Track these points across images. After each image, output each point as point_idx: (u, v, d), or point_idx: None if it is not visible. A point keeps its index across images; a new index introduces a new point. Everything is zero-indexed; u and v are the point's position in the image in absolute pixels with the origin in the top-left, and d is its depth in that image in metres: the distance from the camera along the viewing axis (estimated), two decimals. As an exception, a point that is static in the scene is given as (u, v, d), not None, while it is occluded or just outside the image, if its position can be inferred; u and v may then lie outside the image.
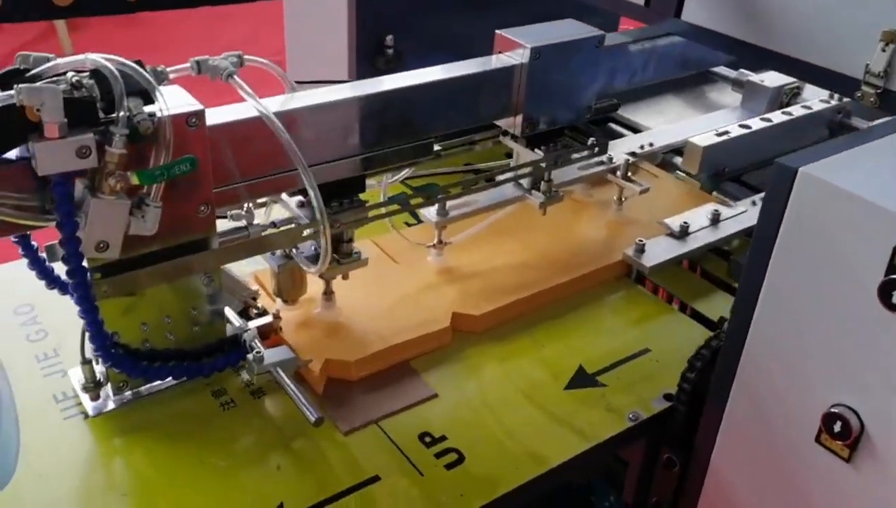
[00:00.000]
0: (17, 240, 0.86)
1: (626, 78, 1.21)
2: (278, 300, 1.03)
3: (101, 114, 0.76)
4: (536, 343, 1.07)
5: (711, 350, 0.95)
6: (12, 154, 0.74)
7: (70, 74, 0.74)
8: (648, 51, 1.23)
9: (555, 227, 1.24)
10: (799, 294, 0.79)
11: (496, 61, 1.06)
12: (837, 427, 0.78)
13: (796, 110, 1.52)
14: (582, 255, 1.20)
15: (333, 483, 0.85)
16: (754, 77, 1.63)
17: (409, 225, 1.26)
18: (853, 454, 0.78)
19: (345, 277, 1.03)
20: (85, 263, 0.79)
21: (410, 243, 1.16)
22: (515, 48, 1.06)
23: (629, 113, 1.64)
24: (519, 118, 1.09)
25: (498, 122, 1.12)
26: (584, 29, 1.11)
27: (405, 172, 1.11)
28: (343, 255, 1.00)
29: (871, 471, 0.77)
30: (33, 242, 0.88)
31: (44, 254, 0.89)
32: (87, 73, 0.75)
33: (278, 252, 1.00)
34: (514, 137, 1.13)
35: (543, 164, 1.13)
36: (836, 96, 1.56)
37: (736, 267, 0.93)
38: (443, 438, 0.92)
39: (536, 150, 1.13)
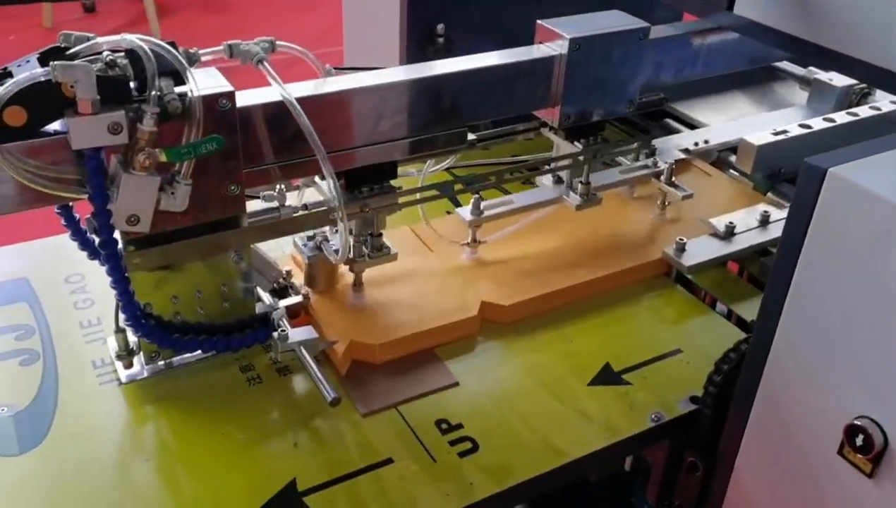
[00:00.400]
0: (59, 211, 0.91)
1: (673, 72, 1.18)
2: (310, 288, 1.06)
3: (135, 93, 0.79)
4: (564, 337, 1.06)
5: (740, 353, 0.92)
6: (52, 127, 0.78)
7: (106, 54, 0.77)
8: (699, 44, 1.20)
9: (594, 221, 1.22)
10: (825, 299, 0.76)
11: (536, 51, 1.05)
12: (860, 440, 0.74)
13: (862, 111, 1.45)
14: (620, 251, 1.18)
15: (346, 462, 0.87)
16: (822, 75, 1.57)
17: (449, 213, 1.26)
18: (876, 469, 0.75)
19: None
20: (117, 235, 0.83)
21: (448, 236, 1.16)
22: (555, 38, 1.04)
23: (688, 108, 1.60)
24: (557, 110, 1.08)
25: (537, 114, 1.11)
26: (628, 20, 1.08)
27: (445, 162, 1.12)
28: (373, 249, 1.02)
29: (893, 489, 0.74)
30: (76, 214, 0.93)
31: (85, 226, 0.94)
32: (122, 53, 0.78)
33: (310, 243, 1.02)
34: (553, 129, 1.12)
35: (582, 158, 1.11)
36: (910, 99, 1.49)
37: (765, 268, 0.90)
38: (459, 426, 0.92)
39: (576, 143, 1.11)
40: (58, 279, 1.12)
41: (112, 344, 0.96)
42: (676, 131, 1.53)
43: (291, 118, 0.86)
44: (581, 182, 1.14)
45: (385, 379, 0.97)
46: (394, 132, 0.97)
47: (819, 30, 1.02)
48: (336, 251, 1.00)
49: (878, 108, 1.47)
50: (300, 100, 0.86)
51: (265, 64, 0.86)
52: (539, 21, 1.06)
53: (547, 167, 1.14)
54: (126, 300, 0.86)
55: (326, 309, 1.04)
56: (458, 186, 1.07)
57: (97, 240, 0.82)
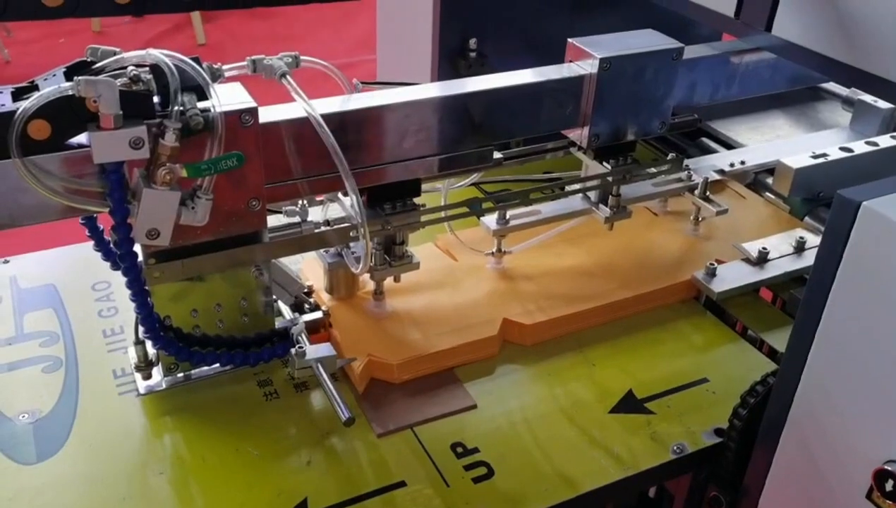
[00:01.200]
0: (83, 221, 0.91)
1: (708, 93, 1.16)
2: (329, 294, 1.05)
3: (158, 108, 0.79)
4: (587, 361, 1.04)
5: (767, 387, 0.89)
6: (75, 141, 0.78)
7: (130, 69, 0.77)
8: (735, 65, 1.17)
9: (622, 237, 1.20)
10: (857, 336, 0.73)
11: (566, 70, 1.04)
12: (889, 485, 0.71)
13: (909, 135, 1.41)
14: (648, 271, 1.16)
15: (359, 483, 0.86)
16: (867, 96, 1.52)
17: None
18: (906, 516, 0.71)
19: (396, 279, 1.03)
20: (137, 248, 0.83)
21: (472, 245, 1.15)
22: (585, 57, 1.03)
23: (725, 127, 1.56)
24: (586, 130, 1.06)
25: (566, 133, 1.09)
26: (661, 40, 1.06)
27: (471, 178, 1.11)
28: (395, 257, 1.01)
29: (924, 538, 0.71)
30: (99, 225, 0.93)
31: (109, 237, 0.94)
32: (147, 68, 0.78)
33: (331, 250, 1.01)
34: (581, 149, 1.10)
35: (611, 178, 1.09)
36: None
37: (793, 300, 0.87)
38: (475, 450, 0.90)
39: (605, 163, 1.09)
40: (84, 286, 1.13)
41: (132, 355, 0.96)
42: (713, 151, 1.50)
43: (315, 134, 0.86)
44: (611, 193, 1.12)
45: (402, 400, 0.96)
46: (419, 149, 0.97)
47: (860, 53, 0.99)
48: (357, 258, 0.99)
49: (925, 133, 1.42)
50: (325, 117, 0.85)
51: (288, 79, 0.86)
52: (570, 40, 1.05)
53: (575, 187, 1.12)
54: (145, 313, 0.86)
55: (346, 321, 1.03)
56: (484, 205, 1.06)
57: (118, 254, 0.82)
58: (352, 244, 1.00)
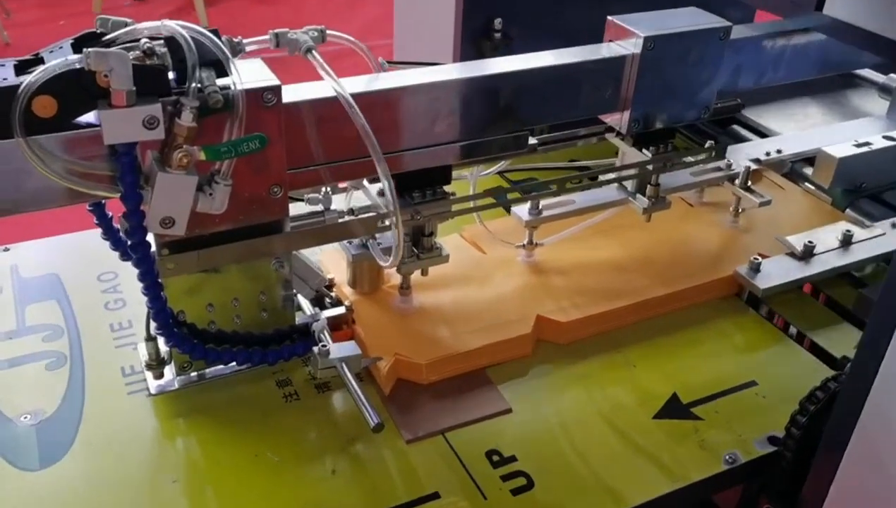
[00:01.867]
0: (91, 208, 0.85)
1: (754, 77, 1.08)
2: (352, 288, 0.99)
3: (173, 85, 0.72)
4: (627, 362, 0.97)
5: (828, 392, 0.83)
6: (83, 119, 0.72)
7: (144, 41, 0.70)
8: (781, 47, 1.10)
9: (659, 230, 1.13)
10: (942, 341, 0.67)
11: (605, 50, 0.97)
12: (976, 504, 0.65)
13: (954, 124, 1.34)
14: (687, 266, 1.09)
15: (389, 495, 0.80)
16: (906, 83, 1.46)
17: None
18: None
19: (424, 273, 0.97)
20: (150, 238, 0.76)
21: (501, 236, 1.08)
22: (627, 36, 0.96)
23: (757, 115, 1.49)
24: (626, 114, 0.99)
25: (603, 118, 1.02)
26: (707, 18, 0.99)
27: (499, 165, 1.04)
28: (424, 249, 0.94)
29: None
30: (108, 211, 0.87)
31: (118, 225, 0.87)
32: (161, 41, 0.71)
33: (355, 241, 0.95)
34: (619, 135, 1.03)
35: (650, 167, 1.02)
36: None
37: (864, 302, 0.80)
38: (512, 459, 0.84)
39: (644, 151, 1.03)
40: (89, 276, 1.07)
41: (142, 352, 0.90)
42: (745, 139, 1.43)
43: (343, 116, 0.79)
44: (650, 183, 1.05)
45: (432, 402, 0.90)
46: (450, 133, 0.90)
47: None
48: (385, 250, 0.92)
49: (970, 122, 1.35)
50: (353, 97, 0.78)
51: (314, 54, 0.79)
52: (610, 17, 0.98)
53: (611, 176, 1.05)
54: (158, 307, 0.80)
55: (370, 317, 0.97)
56: (515, 194, 0.99)
57: (129, 243, 0.75)
58: (378, 235, 0.93)
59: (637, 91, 0.97)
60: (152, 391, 0.88)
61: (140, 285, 0.79)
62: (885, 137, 1.29)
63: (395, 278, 0.99)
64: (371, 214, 0.89)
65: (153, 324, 0.83)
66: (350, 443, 0.85)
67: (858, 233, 1.14)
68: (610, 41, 0.98)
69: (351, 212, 0.90)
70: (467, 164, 0.96)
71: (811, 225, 1.18)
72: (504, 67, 0.90)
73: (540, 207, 1.03)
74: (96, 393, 0.89)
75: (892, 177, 1.30)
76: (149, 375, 0.89)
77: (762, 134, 1.46)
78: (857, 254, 1.11)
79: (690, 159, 1.05)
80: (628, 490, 0.81)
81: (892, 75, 1.51)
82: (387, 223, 0.89)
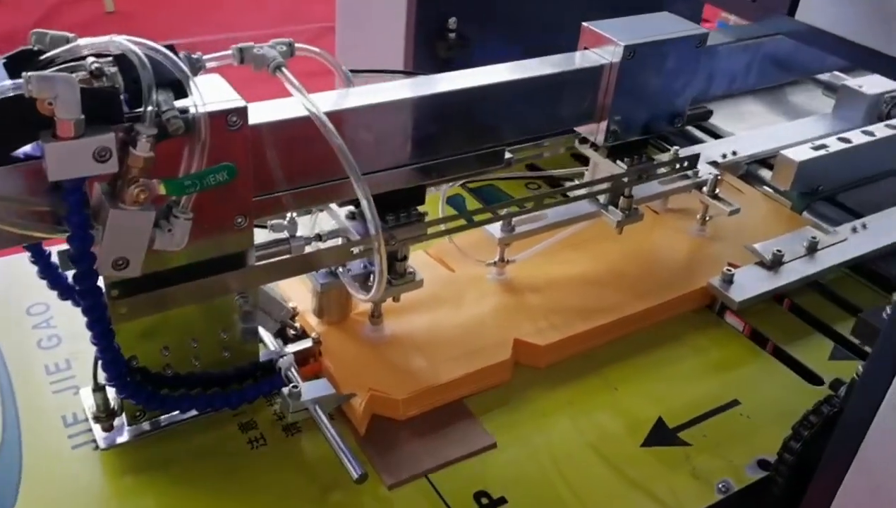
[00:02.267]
0: (27, 246, 0.74)
1: (726, 83, 1.06)
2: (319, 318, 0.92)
3: (126, 108, 0.63)
4: (608, 384, 0.94)
5: (822, 417, 0.81)
6: (21, 151, 0.62)
7: (90, 60, 0.61)
8: (752, 53, 1.08)
9: (628, 240, 1.09)
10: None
11: (581, 59, 0.92)
12: None
13: (902, 124, 1.36)
14: (659, 278, 1.06)
15: (374, 549, 0.74)
16: (850, 81, 1.47)
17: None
18: None
19: (395, 299, 0.90)
20: (100, 283, 0.67)
21: (469, 252, 1.03)
22: (605, 44, 0.91)
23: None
24: (603, 125, 0.95)
25: (578, 128, 0.97)
26: (682, 25, 0.96)
27: (462, 179, 0.98)
28: (396, 275, 0.88)
29: None
30: (45, 247, 0.77)
31: (57, 260, 0.78)
32: (110, 59, 0.62)
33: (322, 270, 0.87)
34: (594, 146, 0.99)
35: (625, 179, 0.98)
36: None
37: (865, 327, 0.79)
38: (502, 500, 0.79)
39: (619, 162, 0.98)
40: (18, 309, 0.96)
41: (88, 403, 0.80)
42: (697, 140, 1.42)
43: (313, 136, 0.71)
44: (623, 195, 1.01)
45: (412, 441, 0.84)
46: (426, 152, 0.83)
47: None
48: (354, 278, 0.86)
49: (917, 121, 1.37)
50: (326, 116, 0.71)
51: (284, 71, 0.71)
52: (585, 24, 0.93)
53: (588, 190, 1.00)
54: (110, 358, 0.70)
55: (340, 349, 0.90)
56: (486, 215, 0.93)
57: (77, 289, 0.66)
58: (349, 262, 0.86)
59: (615, 101, 0.92)
60: (101, 445, 0.79)
61: (85, 327, 0.69)
62: (841, 139, 1.29)
63: (363, 304, 0.93)
64: (341, 242, 0.82)
65: (102, 374, 0.73)
66: (327, 492, 0.78)
67: (823, 239, 1.14)
68: (585, 48, 0.93)
69: (319, 237, 0.83)
70: (440, 182, 0.89)
71: (777, 231, 1.17)
72: (483, 80, 0.84)
73: (512, 224, 0.98)
74: (36, 448, 0.79)
75: (847, 179, 1.30)
76: (96, 428, 0.80)
77: (715, 134, 1.45)
78: (824, 261, 1.11)
79: (664, 170, 1.02)
80: (627, 529, 0.77)
81: (836, 73, 1.52)
82: (357, 250, 0.82)
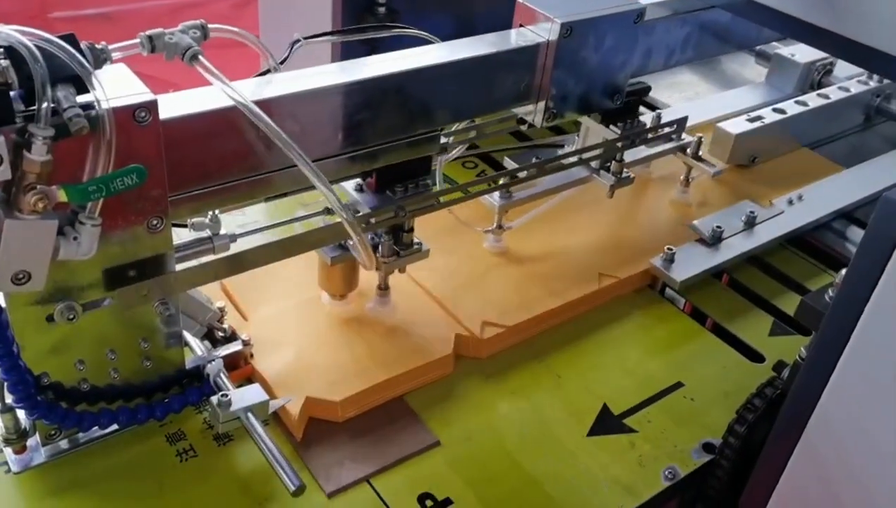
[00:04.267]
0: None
1: (664, 58, 1.04)
2: (246, 321, 0.87)
3: (21, 107, 0.57)
4: (551, 372, 0.91)
5: (766, 399, 0.80)
6: None
7: (-26, 54, 0.55)
8: (690, 27, 1.05)
9: (569, 221, 1.07)
10: (898, 357, 0.64)
11: (517, 38, 0.88)
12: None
13: (833, 92, 1.37)
14: (599, 260, 1.04)
15: (315, 563, 0.70)
16: (783, 50, 1.47)
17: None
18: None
19: (401, 271, 0.89)
20: (1, 301, 0.61)
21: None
22: (541, 21, 0.87)
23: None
24: (541, 105, 0.91)
25: (516, 109, 0.93)
26: (616, 0, 0.92)
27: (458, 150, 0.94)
28: (403, 246, 0.85)
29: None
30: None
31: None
32: (0, 51, 0.56)
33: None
34: (531, 126, 0.95)
35: (619, 144, 0.97)
36: (875, 77, 1.41)
37: (808, 311, 0.78)
38: (447, 502, 0.76)
39: (612, 127, 0.97)
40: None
41: (-4, 423, 0.74)
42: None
43: (232, 129, 0.66)
44: (615, 159, 1.01)
45: (351, 444, 0.80)
46: (353, 140, 0.78)
47: (836, 17, 0.89)
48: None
49: (847, 89, 1.38)
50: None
51: (202, 59, 0.65)
52: (520, 0, 0.88)
53: (579, 158, 0.99)
54: (15, 378, 0.65)
55: (270, 353, 0.85)
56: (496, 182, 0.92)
57: (-29, 309, 0.60)
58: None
59: (553, 80, 0.89)
60: (14, 468, 0.73)
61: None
62: (775, 110, 1.29)
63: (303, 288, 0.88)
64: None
65: (9, 395, 0.67)
66: (263, 504, 0.74)
67: (760, 212, 1.14)
68: (521, 25, 0.89)
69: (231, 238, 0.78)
70: (371, 170, 0.85)
71: (717, 205, 1.16)
72: (412, 63, 0.79)
73: (510, 191, 0.97)
74: (-59, 475, 0.73)
75: (782, 149, 1.31)
76: (7, 451, 0.74)
77: (651, 106, 1.43)
78: (762, 235, 1.11)
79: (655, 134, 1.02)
80: (576, 525, 0.76)
81: (772, 42, 1.52)
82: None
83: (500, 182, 0.96)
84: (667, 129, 1.07)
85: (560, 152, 1.01)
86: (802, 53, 1.45)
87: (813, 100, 1.33)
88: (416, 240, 0.87)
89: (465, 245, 1.03)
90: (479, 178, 0.90)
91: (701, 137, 1.11)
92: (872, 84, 1.39)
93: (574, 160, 0.99)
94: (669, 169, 1.20)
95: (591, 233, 1.09)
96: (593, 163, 1.02)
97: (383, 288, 0.91)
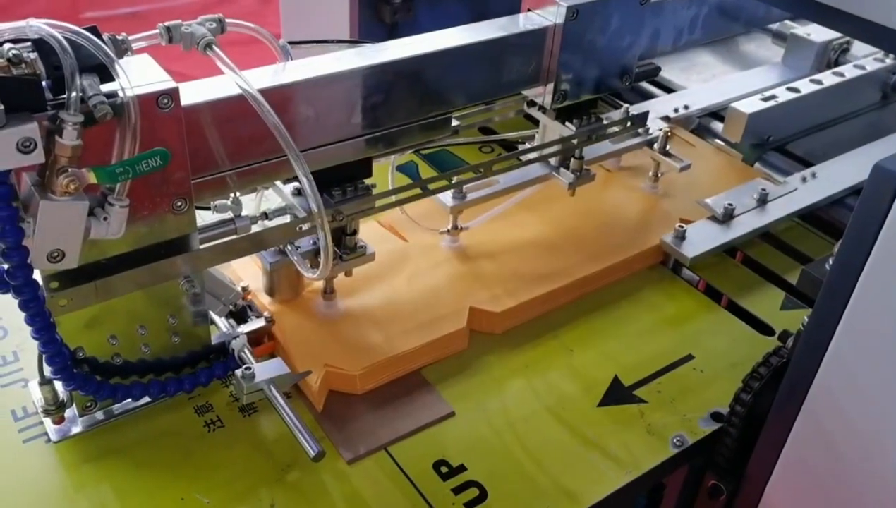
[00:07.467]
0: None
1: (672, 38, 1.06)
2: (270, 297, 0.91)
3: (49, 96, 0.61)
4: (564, 346, 0.94)
5: (771, 368, 0.82)
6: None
7: (7, 46, 0.59)
8: (697, 7, 1.07)
9: (580, 200, 1.09)
10: (892, 322, 0.66)
11: (525, 21, 0.91)
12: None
13: (848, 71, 1.37)
14: (613, 238, 1.06)
15: (335, 524, 0.74)
16: (799, 29, 1.47)
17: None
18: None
19: (347, 274, 0.90)
20: (36, 276, 0.66)
21: (421, 220, 1.02)
22: (548, 5, 0.90)
23: (659, 69, 1.48)
24: (549, 87, 0.94)
25: (526, 92, 0.96)
26: (626, -19, 0.94)
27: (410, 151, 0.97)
28: (346, 250, 0.87)
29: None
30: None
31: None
32: (28, 44, 0.60)
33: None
34: (542, 109, 0.98)
35: (575, 141, 0.98)
36: (893, 55, 1.40)
37: (809, 279, 0.80)
38: (462, 468, 0.80)
39: (567, 124, 0.98)
40: (-41, 303, 0.93)
41: (37, 396, 0.79)
42: (650, 95, 1.41)
43: (251, 115, 0.70)
44: (574, 156, 1.01)
45: (369, 414, 0.84)
46: (369, 123, 0.82)
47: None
48: (304, 256, 0.85)
49: (863, 67, 1.38)
50: (261, 93, 0.69)
51: (215, 49, 0.69)
52: (527, -16, 0.91)
53: (537, 153, 1.00)
54: (53, 351, 0.69)
55: (293, 328, 0.89)
56: (441, 183, 0.92)
57: (12, 285, 0.65)
58: (297, 239, 0.85)
59: (560, 63, 0.91)
60: (53, 438, 0.78)
61: (26, 319, 0.68)
62: (789, 89, 1.29)
63: (316, 283, 0.92)
64: (287, 220, 0.81)
65: (48, 368, 0.72)
66: (286, 471, 0.78)
67: (773, 190, 1.15)
68: (528, 10, 0.92)
69: (265, 216, 0.82)
70: (386, 154, 0.88)
71: (727, 182, 1.18)
72: (423, 48, 0.83)
73: (464, 191, 0.97)
74: (-14, 444, 0.78)
75: (796, 128, 1.31)
76: (47, 421, 0.79)
77: (667, 88, 1.45)
78: (774, 212, 1.12)
79: (614, 130, 1.01)
80: (584, 489, 0.78)
81: (786, 22, 1.52)
82: (305, 228, 0.81)
83: (454, 180, 0.95)
84: (620, 127, 1.04)
85: (518, 149, 1.01)
86: (818, 33, 1.45)
87: (828, 78, 1.34)
88: (359, 243, 0.87)
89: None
90: (433, 177, 0.90)
91: (666, 131, 1.11)
92: (889, 61, 1.39)
93: (533, 157, 0.99)
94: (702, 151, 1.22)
95: (603, 215, 1.11)
96: (552, 161, 1.02)
97: (328, 293, 0.91)
